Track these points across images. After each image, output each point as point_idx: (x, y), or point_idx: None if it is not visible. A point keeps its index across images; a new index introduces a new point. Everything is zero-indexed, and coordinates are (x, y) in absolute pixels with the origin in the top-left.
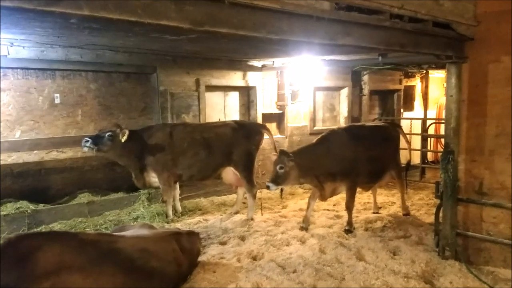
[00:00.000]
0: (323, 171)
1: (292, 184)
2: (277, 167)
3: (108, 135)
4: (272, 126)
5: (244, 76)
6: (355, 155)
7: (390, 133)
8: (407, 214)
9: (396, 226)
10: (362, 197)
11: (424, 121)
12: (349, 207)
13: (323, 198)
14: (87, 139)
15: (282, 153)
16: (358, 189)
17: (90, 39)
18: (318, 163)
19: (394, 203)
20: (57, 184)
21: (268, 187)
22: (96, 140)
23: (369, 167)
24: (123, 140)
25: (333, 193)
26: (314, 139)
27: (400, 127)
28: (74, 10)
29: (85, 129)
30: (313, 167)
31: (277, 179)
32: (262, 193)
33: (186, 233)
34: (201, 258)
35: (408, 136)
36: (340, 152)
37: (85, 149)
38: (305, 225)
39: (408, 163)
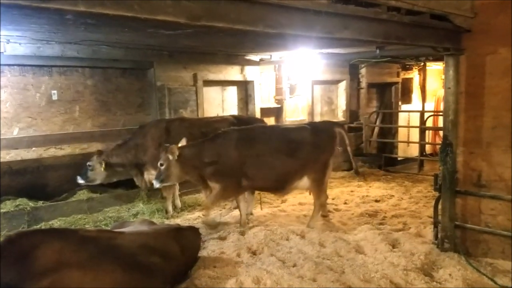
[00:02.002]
0: (207, 170)
1: (177, 180)
2: (159, 164)
3: (89, 167)
4: (270, 121)
5: (241, 70)
6: (241, 158)
7: (316, 135)
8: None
9: (395, 219)
10: (361, 190)
11: (422, 113)
12: (208, 205)
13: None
14: (78, 176)
15: (164, 149)
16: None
17: (86, 35)
18: (202, 162)
19: (393, 196)
20: (55, 181)
21: (152, 185)
22: (82, 175)
23: (264, 172)
24: (102, 169)
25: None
26: None
27: (341, 127)
28: (70, 6)
29: (82, 125)
30: (197, 166)
31: (160, 176)
32: None
33: (186, 229)
34: (201, 253)
35: (406, 128)
36: (225, 153)
37: (81, 183)
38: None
39: (356, 170)
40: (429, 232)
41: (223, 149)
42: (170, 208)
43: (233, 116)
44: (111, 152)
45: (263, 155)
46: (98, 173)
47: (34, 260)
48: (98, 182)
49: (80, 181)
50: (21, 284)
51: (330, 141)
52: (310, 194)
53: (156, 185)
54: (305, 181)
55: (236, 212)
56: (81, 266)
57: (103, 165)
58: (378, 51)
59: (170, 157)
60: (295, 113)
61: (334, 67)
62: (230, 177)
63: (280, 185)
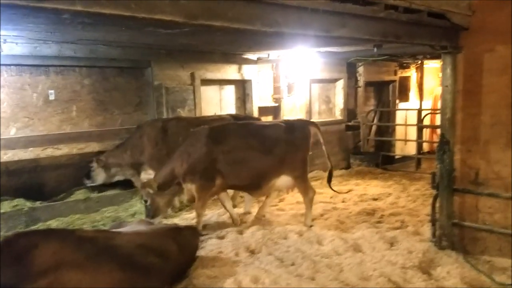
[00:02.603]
0: (181, 170)
1: (168, 208)
2: (143, 201)
3: (91, 168)
4: (268, 119)
5: (239, 69)
6: (213, 155)
7: (291, 133)
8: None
9: (393, 217)
10: (358, 189)
11: (419, 111)
12: (198, 213)
13: (188, 200)
14: (84, 178)
15: (142, 185)
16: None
17: (84, 34)
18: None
19: (391, 194)
20: (53, 181)
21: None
22: (87, 175)
23: (238, 170)
24: (102, 170)
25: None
26: None
27: (315, 126)
28: (67, 5)
29: (80, 125)
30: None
31: (150, 213)
32: None
33: (184, 228)
34: (199, 252)
35: (403, 127)
36: (195, 152)
37: (87, 183)
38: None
39: (330, 172)
40: (426, 230)
41: (193, 149)
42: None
43: (231, 115)
44: (109, 153)
45: (236, 153)
46: (99, 173)
47: (32, 261)
48: (100, 182)
49: (86, 181)
50: (19, 285)
51: (305, 139)
52: (288, 193)
53: (155, 222)
54: (284, 180)
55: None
56: (79, 266)
57: (102, 166)
58: (375, 49)
59: (150, 191)
60: (293, 112)
61: (331, 66)
62: (204, 176)
63: (255, 183)
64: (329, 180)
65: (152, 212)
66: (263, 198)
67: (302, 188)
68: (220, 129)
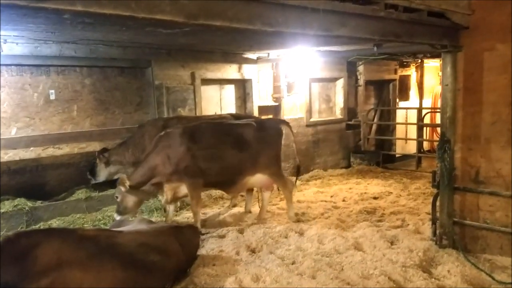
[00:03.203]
0: (166, 172)
1: (138, 208)
2: (115, 197)
3: (94, 164)
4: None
5: (239, 68)
6: (190, 155)
7: (262, 132)
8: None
9: (393, 216)
10: (359, 187)
11: (419, 110)
12: (194, 210)
13: (165, 201)
14: (88, 173)
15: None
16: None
17: (84, 34)
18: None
19: (391, 192)
20: (54, 180)
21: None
22: (90, 172)
23: (212, 167)
24: (104, 167)
25: (175, 195)
26: (311, 130)
27: (286, 124)
28: (67, 6)
29: (80, 125)
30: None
31: (119, 209)
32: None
33: (185, 227)
34: (200, 251)
35: (404, 125)
36: (175, 152)
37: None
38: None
39: (298, 167)
40: (427, 228)
41: (172, 149)
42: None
43: (231, 114)
44: (111, 151)
45: (209, 151)
46: (101, 170)
47: (33, 260)
48: (102, 179)
49: (89, 177)
50: (20, 284)
51: (276, 138)
52: (261, 191)
53: (117, 217)
54: (258, 178)
55: (234, 211)
56: (80, 265)
57: (105, 163)
58: (375, 48)
59: (122, 188)
60: (293, 111)
61: (331, 65)
62: (191, 174)
63: (229, 181)
64: (296, 176)
65: (122, 209)
66: (262, 199)
67: (280, 183)
68: (192, 128)
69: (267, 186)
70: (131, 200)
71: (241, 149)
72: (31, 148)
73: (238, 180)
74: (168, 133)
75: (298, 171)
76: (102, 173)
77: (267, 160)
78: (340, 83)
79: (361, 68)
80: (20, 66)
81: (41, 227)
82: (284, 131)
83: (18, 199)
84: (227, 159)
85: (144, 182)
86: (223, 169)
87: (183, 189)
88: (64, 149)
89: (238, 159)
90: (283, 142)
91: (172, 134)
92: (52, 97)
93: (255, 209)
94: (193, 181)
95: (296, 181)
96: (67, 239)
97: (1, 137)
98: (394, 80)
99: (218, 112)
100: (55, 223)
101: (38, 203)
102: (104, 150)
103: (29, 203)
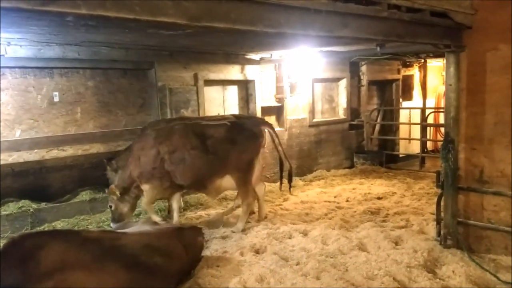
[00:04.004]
0: (135, 173)
1: (133, 212)
2: (109, 206)
3: (106, 174)
4: (271, 119)
5: (242, 69)
6: (160, 156)
7: (238, 133)
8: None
9: (397, 216)
10: (363, 188)
11: (423, 110)
12: (145, 208)
13: (145, 203)
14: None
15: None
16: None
17: (87, 36)
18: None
19: (395, 193)
20: (58, 182)
21: None
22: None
23: (181, 169)
24: (114, 173)
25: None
26: (313, 131)
27: (268, 125)
28: (72, 9)
29: (84, 127)
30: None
31: (115, 218)
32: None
33: (189, 228)
34: (204, 252)
35: (407, 125)
36: (145, 155)
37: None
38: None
39: (289, 173)
40: (431, 229)
41: (144, 152)
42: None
43: (234, 115)
44: (118, 157)
45: (179, 152)
46: (113, 177)
47: (38, 262)
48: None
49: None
50: (25, 286)
51: (253, 140)
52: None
53: (113, 226)
54: (228, 181)
55: (238, 212)
56: (85, 267)
57: (114, 170)
58: (378, 48)
59: (114, 197)
60: (296, 112)
61: (334, 65)
62: (156, 177)
63: (200, 183)
64: (289, 181)
65: (117, 216)
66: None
67: (242, 191)
68: (166, 130)
69: (255, 182)
70: (124, 206)
71: (210, 151)
72: (35, 150)
73: (208, 182)
74: (143, 136)
75: (290, 177)
76: (115, 179)
77: (235, 162)
78: (343, 83)
79: (364, 68)
80: (24, 68)
81: (46, 229)
82: (264, 133)
83: (23, 201)
84: (195, 160)
85: (129, 187)
86: (191, 171)
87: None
88: (68, 151)
89: (206, 160)
90: (265, 145)
91: (146, 136)
92: (56, 99)
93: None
94: (157, 184)
95: (290, 188)
96: (71, 241)
97: (6, 139)
98: (397, 80)
99: (221, 113)
100: (59, 224)
101: (43, 205)
102: (111, 157)
103: (34, 205)
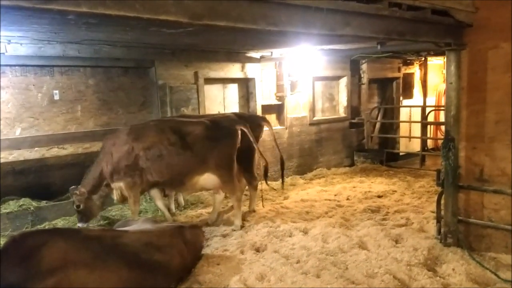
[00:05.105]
0: (107, 171)
1: (100, 211)
2: (75, 206)
3: None
4: (271, 117)
5: (242, 68)
6: (134, 154)
7: (214, 131)
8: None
9: (398, 214)
10: (363, 186)
11: (423, 108)
12: (132, 209)
13: (117, 200)
14: None
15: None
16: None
17: (88, 35)
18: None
19: (395, 191)
20: (59, 180)
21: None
22: None
23: (158, 166)
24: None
25: (124, 194)
26: (314, 129)
27: (243, 124)
28: (72, 7)
29: (84, 125)
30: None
31: (82, 219)
32: (263, 185)
33: (189, 227)
34: (205, 251)
35: (407, 124)
36: (118, 152)
37: None
38: None
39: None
40: (432, 227)
41: (116, 148)
42: (173, 206)
43: (235, 113)
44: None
45: (155, 149)
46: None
47: (39, 260)
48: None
49: None
50: (26, 284)
51: (230, 138)
52: (219, 193)
53: (81, 226)
54: (207, 178)
55: None
56: (85, 265)
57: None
58: (379, 46)
59: (81, 197)
60: (297, 110)
61: (335, 63)
62: (129, 174)
63: (177, 181)
64: (265, 176)
65: (85, 216)
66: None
67: (229, 188)
68: (140, 127)
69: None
70: (93, 205)
71: (187, 148)
72: (36, 149)
73: (186, 179)
74: (116, 132)
75: (265, 172)
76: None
77: (217, 160)
78: (344, 81)
79: (364, 67)
80: (24, 66)
81: (46, 227)
82: (239, 131)
83: (23, 199)
84: (171, 158)
85: (99, 184)
86: (167, 168)
87: None
88: (68, 149)
89: (183, 158)
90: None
91: (119, 133)
92: (56, 97)
93: (259, 208)
94: (130, 180)
95: (266, 182)
96: (72, 239)
97: (6, 138)
98: (398, 78)
99: (222, 111)
100: (60, 223)
101: (43, 203)
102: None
103: (34, 203)
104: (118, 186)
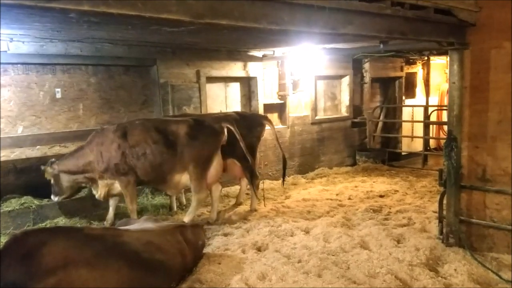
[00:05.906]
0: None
1: (71, 192)
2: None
3: None
4: (273, 116)
5: (244, 66)
6: (121, 152)
7: (197, 130)
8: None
9: (400, 214)
10: (365, 185)
11: (426, 108)
12: (130, 208)
13: (99, 197)
14: None
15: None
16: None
17: (90, 33)
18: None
19: (397, 191)
20: None
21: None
22: None
23: (142, 165)
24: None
25: (109, 192)
26: (316, 128)
27: (229, 122)
28: (74, 5)
29: (86, 123)
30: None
31: (54, 191)
32: (264, 184)
33: (191, 226)
34: (206, 250)
35: (410, 123)
36: (107, 150)
37: None
38: None
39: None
40: (434, 227)
41: (105, 147)
42: (174, 204)
43: (237, 112)
44: None
45: (138, 147)
46: None
47: (40, 259)
48: None
49: None
50: (27, 283)
51: (213, 137)
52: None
53: (54, 199)
54: (187, 177)
55: (239, 209)
56: (87, 264)
57: None
58: (381, 45)
59: (51, 170)
60: (298, 109)
61: (337, 62)
62: (121, 172)
63: (160, 178)
64: (251, 176)
65: (56, 190)
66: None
67: (195, 185)
68: (125, 125)
69: (213, 181)
70: (64, 181)
71: (169, 147)
72: (37, 147)
73: (168, 178)
74: (103, 130)
75: (252, 172)
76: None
77: (191, 158)
78: (346, 80)
79: (366, 66)
80: (26, 64)
81: (48, 225)
82: (225, 129)
83: (25, 197)
84: (154, 156)
85: (74, 172)
86: (151, 167)
87: (118, 186)
88: (70, 148)
89: (165, 156)
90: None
91: (106, 131)
92: (58, 95)
93: (261, 207)
94: (124, 178)
95: (252, 182)
96: (74, 237)
97: (8, 136)
98: (400, 77)
99: (223, 110)
100: (61, 221)
101: (45, 201)
102: None
103: (36, 201)
104: (107, 184)
